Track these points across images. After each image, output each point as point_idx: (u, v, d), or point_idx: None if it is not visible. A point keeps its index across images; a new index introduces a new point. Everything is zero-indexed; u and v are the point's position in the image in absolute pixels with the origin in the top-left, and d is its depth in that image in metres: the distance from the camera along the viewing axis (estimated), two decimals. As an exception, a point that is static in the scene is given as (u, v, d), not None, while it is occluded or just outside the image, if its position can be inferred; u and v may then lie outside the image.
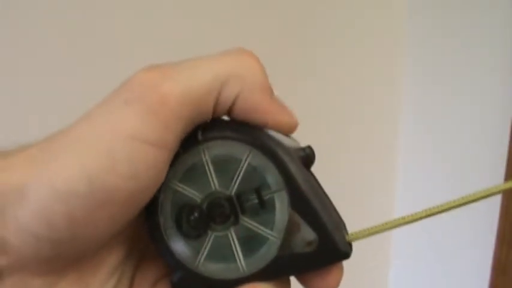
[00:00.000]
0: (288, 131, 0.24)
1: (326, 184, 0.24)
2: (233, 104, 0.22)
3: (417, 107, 0.79)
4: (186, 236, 0.23)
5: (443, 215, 0.24)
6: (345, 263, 0.24)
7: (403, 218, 0.24)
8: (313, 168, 0.24)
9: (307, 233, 0.23)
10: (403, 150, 0.81)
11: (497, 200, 0.70)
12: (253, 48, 0.23)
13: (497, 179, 0.69)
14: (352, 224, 0.25)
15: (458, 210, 0.24)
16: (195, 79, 0.21)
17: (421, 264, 0.82)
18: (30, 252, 0.21)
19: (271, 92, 0.23)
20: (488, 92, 0.71)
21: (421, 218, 0.24)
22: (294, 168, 0.23)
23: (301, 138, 0.25)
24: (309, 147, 0.24)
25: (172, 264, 0.24)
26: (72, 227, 0.21)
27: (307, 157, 0.24)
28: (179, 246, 0.23)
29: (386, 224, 0.24)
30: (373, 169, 0.80)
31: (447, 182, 0.76)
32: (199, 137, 0.23)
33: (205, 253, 0.23)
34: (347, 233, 0.24)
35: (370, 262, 0.78)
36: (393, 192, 0.82)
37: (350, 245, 0.24)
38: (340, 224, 0.24)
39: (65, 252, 0.22)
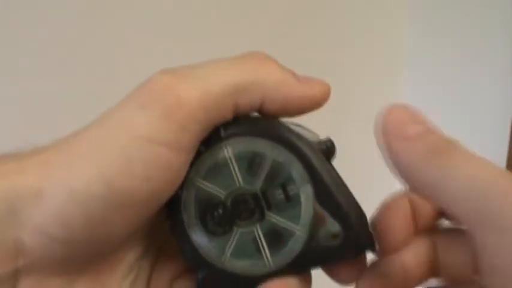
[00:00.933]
0: (326, 99, 0.24)
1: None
2: (262, 105, 0.23)
3: (417, 107, 0.79)
4: (211, 233, 0.23)
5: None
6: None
7: None
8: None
9: (332, 226, 0.23)
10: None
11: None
12: (251, 48, 0.23)
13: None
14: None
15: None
16: (211, 84, 0.21)
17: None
18: (46, 253, 0.21)
19: (293, 77, 0.23)
20: (488, 92, 0.71)
21: None
22: (317, 161, 0.23)
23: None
24: (329, 140, 0.24)
25: (196, 262, 0.23)
26: (88, 228, 0.21)
27: (328, 150, 0.24)
28: (204, 244, 0.23)
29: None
30: (373, 168, 0.80)
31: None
32: (222, 134, 0.23)
33: (231, 250, 0.23)
34: (369, 225, 0.24)
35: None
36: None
37: (373, 237, 0.24)
38: (363, 216, 0.24)
39: (81, 253, 0.22)
